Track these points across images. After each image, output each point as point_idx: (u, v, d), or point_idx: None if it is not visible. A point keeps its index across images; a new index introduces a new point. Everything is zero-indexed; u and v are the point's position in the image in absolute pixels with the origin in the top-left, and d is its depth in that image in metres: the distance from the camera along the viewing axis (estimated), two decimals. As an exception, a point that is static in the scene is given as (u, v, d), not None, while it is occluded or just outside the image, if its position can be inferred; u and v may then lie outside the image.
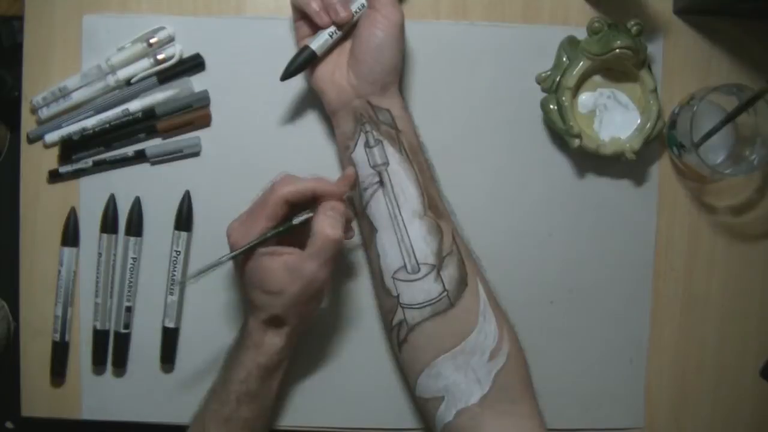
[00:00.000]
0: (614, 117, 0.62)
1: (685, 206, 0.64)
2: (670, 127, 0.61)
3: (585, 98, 0.62)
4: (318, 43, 0.57)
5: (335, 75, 0.57)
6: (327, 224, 0.53)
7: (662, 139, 0.63)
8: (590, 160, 0.63)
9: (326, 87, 0.58)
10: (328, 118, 0.63)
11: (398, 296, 0.55)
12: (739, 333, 0.64)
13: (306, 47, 0.57)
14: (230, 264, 0.57)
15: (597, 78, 0.62)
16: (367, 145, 0.56)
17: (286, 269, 0.53)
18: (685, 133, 0.58)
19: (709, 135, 0.58)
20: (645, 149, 0.61)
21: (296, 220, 0.54)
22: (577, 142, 0.60)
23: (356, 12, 0.57)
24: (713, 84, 0.58)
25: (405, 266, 0.55)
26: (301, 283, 0.53)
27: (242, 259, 0.54)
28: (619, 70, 0.61)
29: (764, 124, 0.58)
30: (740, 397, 0.64)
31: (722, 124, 0.58)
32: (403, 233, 0.55)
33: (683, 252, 0.64)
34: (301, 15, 0.58)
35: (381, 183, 0.56)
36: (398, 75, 0.58)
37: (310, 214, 0.54)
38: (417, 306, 0.55)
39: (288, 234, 0.54)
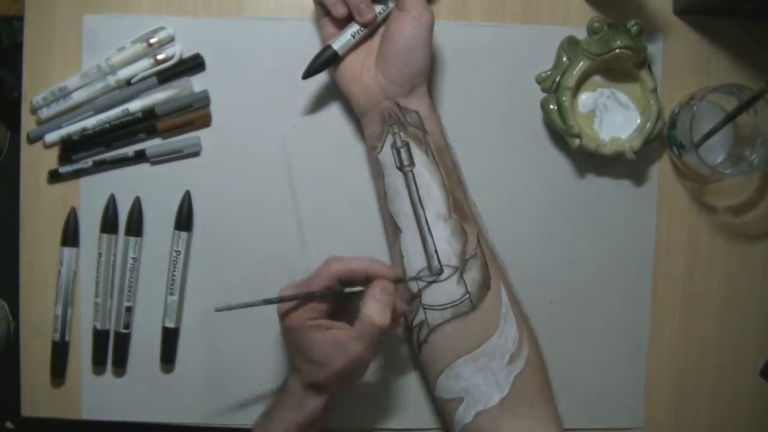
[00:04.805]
0: (614, 117, 0.62)
1: (685, 206, 0.64)
2: (670, 127, 0.61)
3: (585, 98, 0.62)
4: (340, 43, 0.57)
5: (363, 76, 0.57)
6: (376, 310, 0.52)
7: (662, 139, 0.63)
8: (590, 160, 0.63)
9: (354, 89, 0.58)
10: (329, 118, 0.63)
11: (420, 297, 0.56)
12: (738, 333, 0.64)
13: (328, 47, 0.57)
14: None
15: (597, 78, 0.62)
16: (393, 146, 0.57)
17: (333, 344, 0.53)
18: (685, 133, 0.58)
19: (709, 135, 0.58)
20: (645, 149, 0.61)
21: (348, 290, 0.54)
22: (577, 142, 0.60)
23: (380, 13, 0.57)
24: (713, 84, 0.58)
25: (428, 267, 0.55)
26: (346, 360, 0.53)
27: (290, 325, 0.54)
28: (619, 70, 0.61)
29: (764, 124, 0.58)
30: (740, 397, 0.64)
31: (722, 124, 0.58)
32: (427, 235, 0.55)
33: (683, 252, 0.64)
34: (325, 12, 0.58)
35: (407, 185, 0.56)
36: (427, 76, 0.58)
37: (361, 289, 0.54)
38: (439, 307, 0.55)
39: (336, 301, 0.55)
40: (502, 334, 0.54)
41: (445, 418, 0.57)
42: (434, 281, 0.55)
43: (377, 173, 0.59)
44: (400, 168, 0.56)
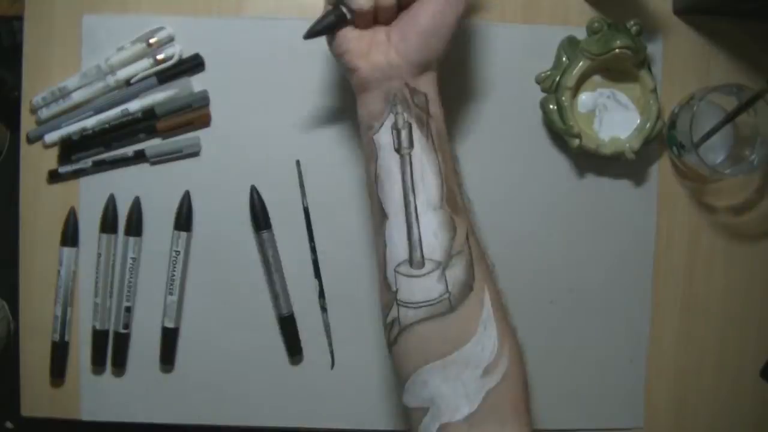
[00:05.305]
0: (614, 117, 0.62)
1: (685, 206, 0.64)
2: (670, 127, 0.61)
3: (585, 98, 0.62)
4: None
5: (371, 52, 0.53)
6: None
7: (662, 139, 0.63)
8: (590, 160, 0.63)
9: (359, 63, 0.53)
10: (328, 117, 0.63)
11: (396, 291, 0.51)
12: (738, 333, 0.64)
13: (338, 8, 0.52)
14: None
15: (597, 78, 0.62)
16: (395, 126, 0.52)
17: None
18: (685, 133, 0.58)
19: (709, 135, 0.58)
20: (645, 149, 0.61)
21: None
22: (577, 142, 0.60)
23: None
24: (713, 84, 0.58)
25: (409, 260, 0.51)
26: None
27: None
28: (618, 70, 0.61)
29: (764, 124, 0.58)
30: (740, 398, 0.64)
31: (722, 124, 0.58)
32: (414, 222, 0.51)
33: (683, 252, 0.64)
34: None
35: (402, 168, 0.52)
36: (441, 62, 0.54)
37: None
38: (413, 305, 0.50)
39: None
40: (478, 343, 0.49)
41: (411, 427, 0.52)
42: (411, 263, 0.51)
43: (370, 155, 0.54)
44: (398, 150, 0.52)
